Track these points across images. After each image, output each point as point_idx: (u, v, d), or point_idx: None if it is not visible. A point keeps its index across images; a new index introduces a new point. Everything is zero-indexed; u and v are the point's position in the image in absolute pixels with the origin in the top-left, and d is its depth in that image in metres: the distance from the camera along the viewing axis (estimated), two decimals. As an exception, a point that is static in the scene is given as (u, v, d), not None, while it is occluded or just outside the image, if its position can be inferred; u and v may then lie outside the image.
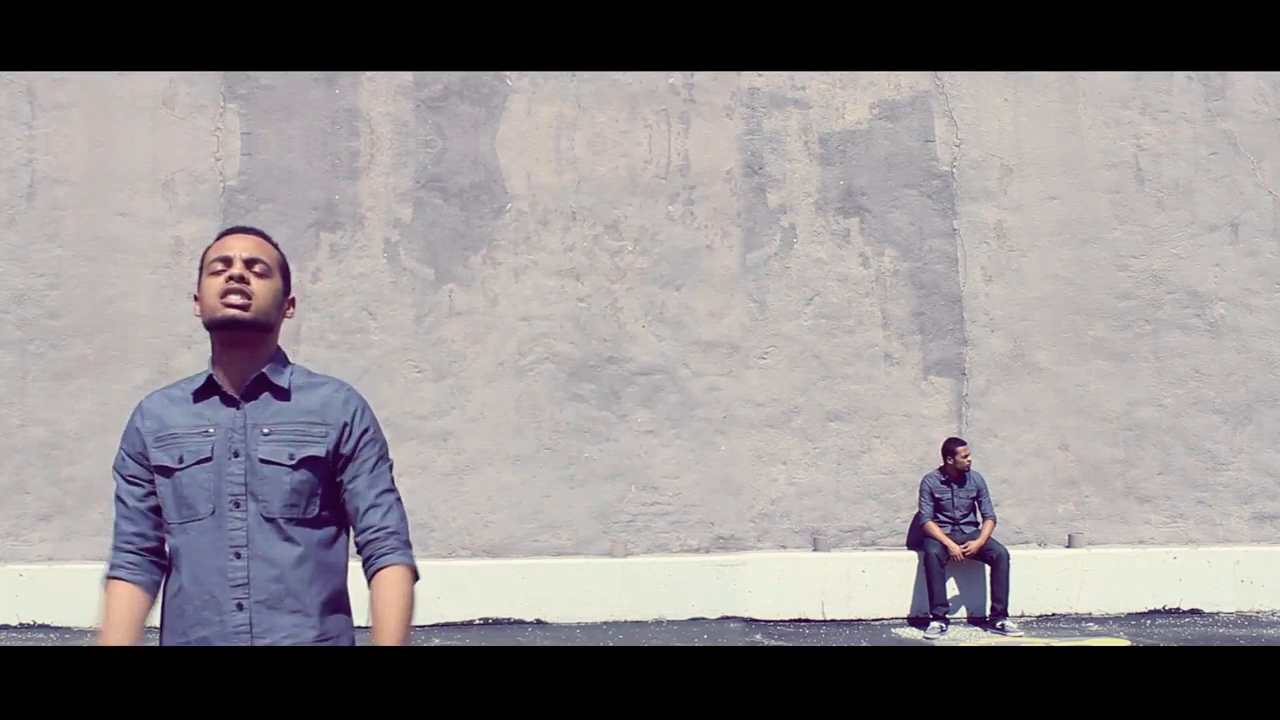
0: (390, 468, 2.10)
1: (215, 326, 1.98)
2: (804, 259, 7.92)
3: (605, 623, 7.32)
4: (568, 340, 7.76)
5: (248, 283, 1.98)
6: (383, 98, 7.78)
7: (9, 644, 6.71)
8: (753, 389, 7.84)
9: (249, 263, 2.01)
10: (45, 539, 7.45)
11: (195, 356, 7.53)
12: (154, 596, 2.02)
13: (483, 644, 6.65)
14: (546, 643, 6.74)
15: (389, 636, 1.93)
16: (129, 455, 2.04)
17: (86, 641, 6.77)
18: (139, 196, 7.63)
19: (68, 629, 7.08)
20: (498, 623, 7.25)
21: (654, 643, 6.74)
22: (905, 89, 8.04)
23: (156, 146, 7.66)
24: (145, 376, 7.52)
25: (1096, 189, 8.10)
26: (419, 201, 7.76)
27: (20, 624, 7.11)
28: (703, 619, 7.38)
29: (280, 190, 7.69)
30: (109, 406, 7.50)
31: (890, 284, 7.95)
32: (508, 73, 7.80)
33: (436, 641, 6.84)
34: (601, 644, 6.71)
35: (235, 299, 1.96)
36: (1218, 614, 7.57)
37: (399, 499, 2.08)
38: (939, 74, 8.03)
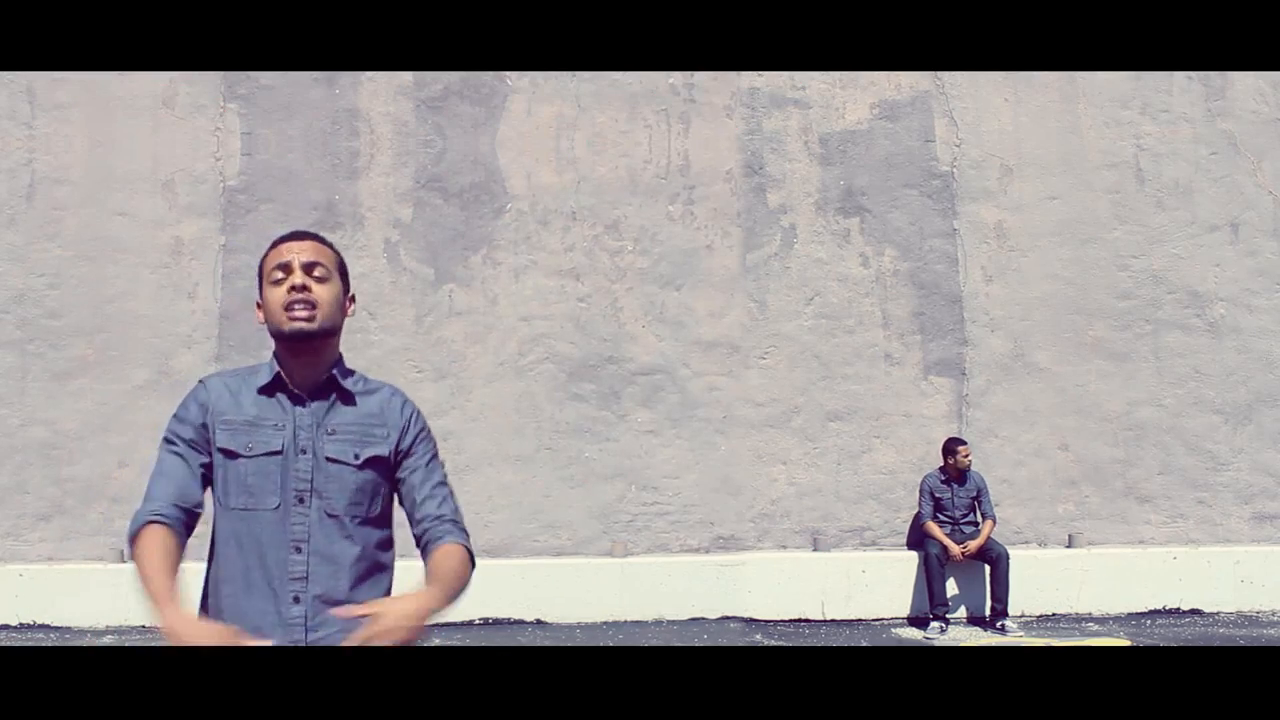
0: (442, 465, 2.16)
1: (283, 338, 2.02)
2: (804, 259, 7.92)
3: (605, 623, 7.32)
4: (568, 340, 7.76)
5: (310, 291, 2.01)
6: (383, 98, 7.78)
7: (9, 644, 6.71)
8: (753, 389, 7.84)
9: (308, 268, 2.03)
10: (45, 539, 7.45)
11: (195, 356, 7.53)
12: (183, 551, 1.98)
13: (483, 644, 6.65)
14: (546, 643, 6.74)
15: (438, 584, 1.94)
16: (189, 423, 2.03)
17: (87, 641, 6.77)
18: (139, 196, 7.63)
19: (68, 629, 7.08)
20: (498, 623, 7.25)
21: (654, 643, 6.74)
22: (905, 89, 8.04)
23: (156, 146, 7.66)
24: (145, 376, 7.52)
25: (1096, 189, 8.10)
26: (419, 201, 7.76)
27: (20, 624, 7.11)
28: (703, 619, 7.38)
29: (280, 190, 7.69)
30: (109, 406, 7.50)
31: (890, 284, 7.95)
32: (508, 73, 7.80)
33: (436, 641, 6.84)
34: (601, 644, 6.71)
35: (300, 310, 2.00)
36: (1218, 614, 7.57)
37: (452, 492, 2.15)
38: (939, 74, 8.03)
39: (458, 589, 1.99)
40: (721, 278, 7.88)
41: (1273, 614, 7.57)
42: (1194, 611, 7.58)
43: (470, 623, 7.24)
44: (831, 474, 7.84)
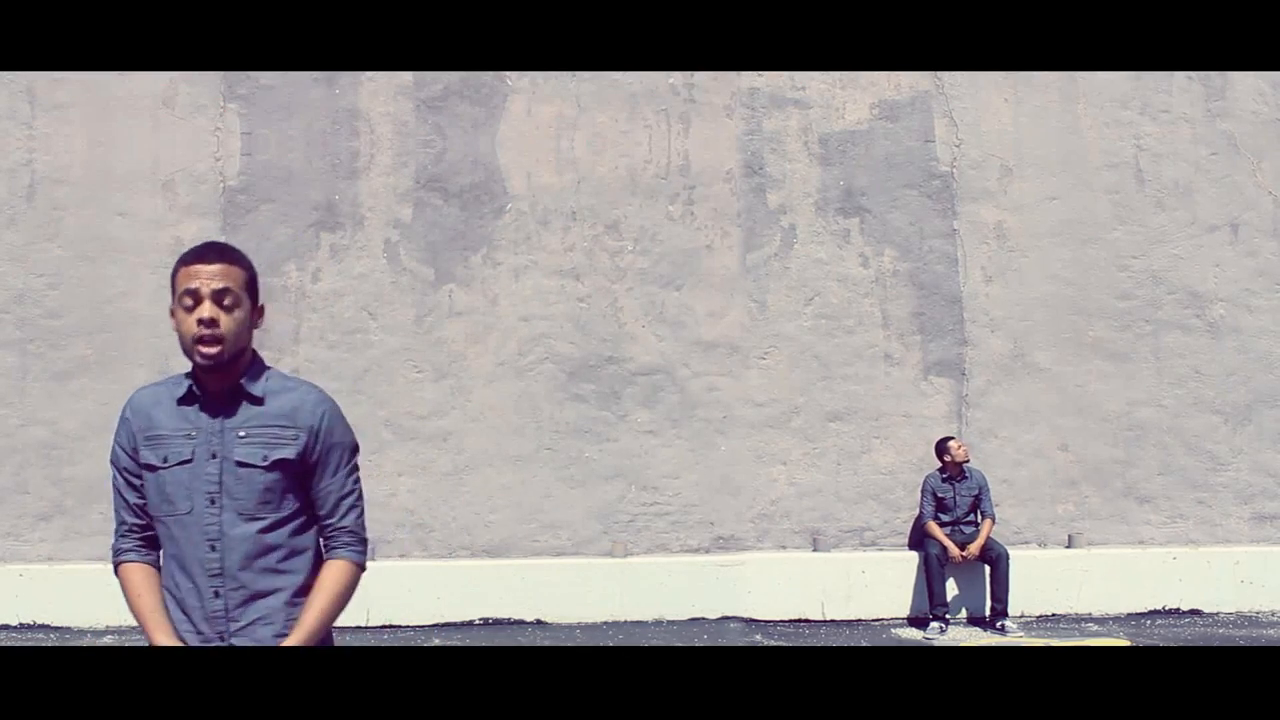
0: (355, 469, 2.30)
1: (194, 363, 2.18)
2: (804, 259, 7.92)
3: (605, 623, 7.32)
4: (568, 340, 7.76)
5: (218, 324, 2.13)
6: (383, 98, 7.78)
7: (9, 644, 6.71)
8: (753, 389, 7.84)
9: (218, 296, 2.13)
10: (45, 539, 7.45)
11: (195, 356, 7.52)
12: (158, 572, 2.24)
13: (483, 644, 6.65)
14: (546, 643, 6.74)
15: (304, 620, 2.16)
16: (123, 449, 2.24)
17: (87, 641, 6.77)
18: (139, 196, 7.63)
19: (68, 629, 7.07)
20: (498, 623, 7.25)
21: (654, 643, 6.74)
22: (905, 89, 8.04)
23: (156, 146, 7.66)
24: (145, 376, 7.51)
25: (1096, 189, 8.10)
26: (419, 201, 7.76)
27: (20, 624, 7.11)
28: (703, 619, 7.38)
29: (280, 190, 7.69)
30: (109, 406, 7.50)
31: (890, 284, 7.95)
32: (508, 73, 7.80)
33: (436, 641, 6.84)
34: (601, 644, 6.71)
35: (208, 348, 2.12)
36: (1218, 614, 7.57)
37: (359, 499, 2.30)
38: (939, 74, 8.03)
39: (339, 605, 2.21)
40: (721, 278, 7.88)
41: (1273, 614, 7.57)
42: (1194, 612, 7.57)
43: (470, 623, 7.24)
44: (831, 474, 7.84)
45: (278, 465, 2.17)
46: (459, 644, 6.71)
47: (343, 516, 2.25)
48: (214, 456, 2.15)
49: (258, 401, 2.19)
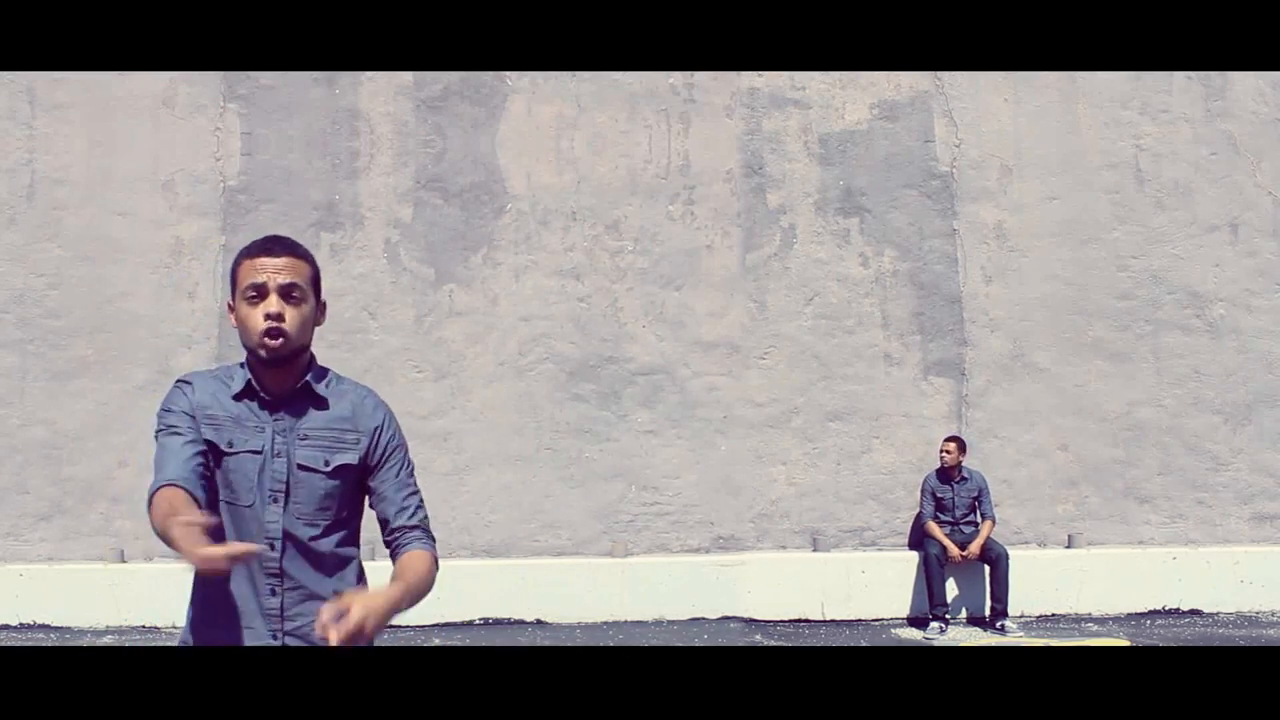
0: (412, 469, 2.26)
1: (255, 358, 2.10)
2: (804, 259, 7.92)
3: (605, 623, 7.32)
4: (568, 340, 7.76)
5: (284, 319, 2.07)
6: (383, 98, 7.78)
7: (9, 644, 6.71)
8: (753, 389, 7.84)
9: (284, 291, 2.08)
10: (45, 539, 7.44)
11: (195, 356, 7.53)
12: (199, 504, 1.99)
13: (483, 644, 6.65)
14: (546, 643, 6.75)
15: (402, 583, 2.02)
16: (181, 410, 2.09)
17: (87, 641, 6.77)
18: (139, 196, 7.63)
19: (68, 629, 7.07)
20: (498, 623, 7.25)
21: (654, 643, 6.74)
22: (905, 89, 8.04)
23: (156, 146, 7.66)
24: (145, 376, 7.52)
25: (1096, 189, 8.10)
26: (419, 201, 7.76)
27: (20, 624, 7.11)
28: (703, 619, 7.38)
29: (280, 190, 7.69)
30: (109, 406, 7.50)
31: (890, 284, 7.95)
32: (508, 73, 7.80)
33: (436, 641, 6.84)
34: (601, 644, 6.71)
35: (273, 341, 2.06)
36: (1217, 614, 7.57)
37: (421, 500, 2.24)
38: (939, 74, 8.03)
39: (421, 590, 2.10)
40: (721, 278, 7.88)
41: (1272, 614, 7.57)
42: (1194, 612, 7.57)
43: (470, 623, 7.24)
44: (831, 474, 7.84)
45: (339, 471, 2.13)
46: (459, 644, 6.71)
47: (412, 514, 2.19)
48: (279, 455, 2.10)
49: (321, 403, 2.15)
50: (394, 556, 2.17)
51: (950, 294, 7.96)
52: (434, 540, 2.21)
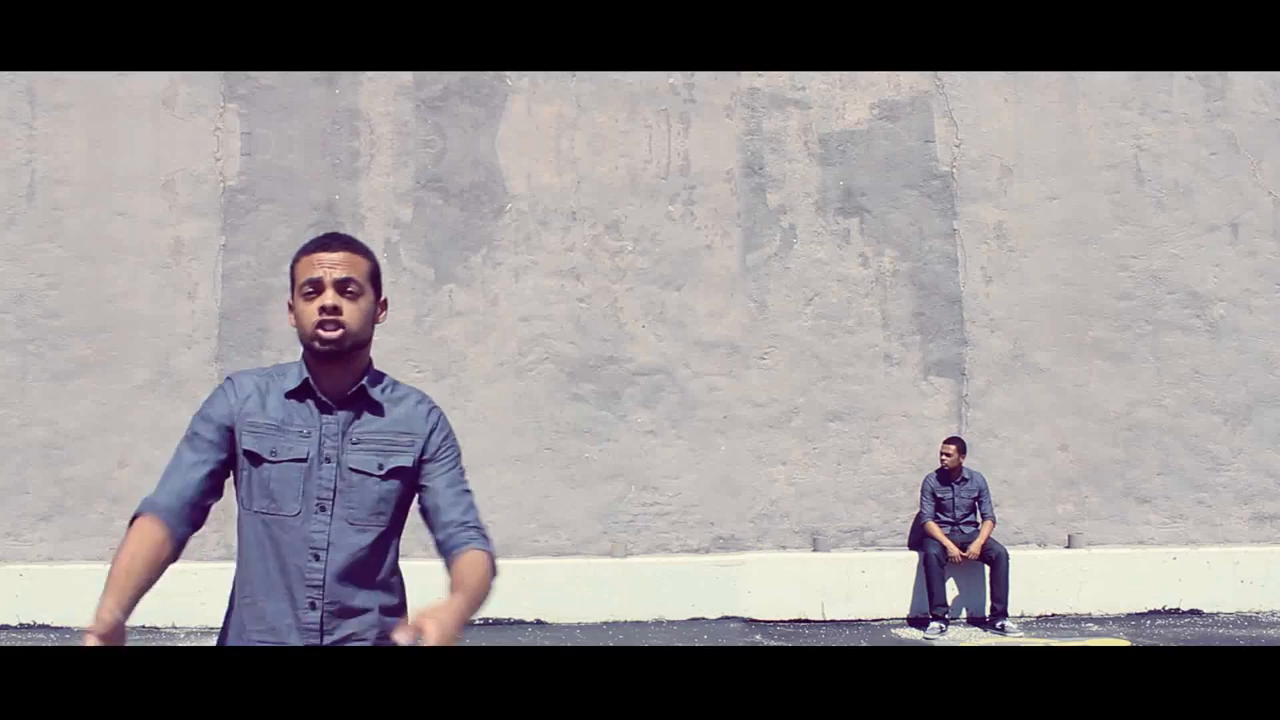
0: (464, 472, 2.20)
1: (312, 352, 2.05)
2: (804, 259, 7.92)
3: (605, 623, 7.32)
4: (568, 340, 7.76)
5: (340, 312, 2.02)
6: (383, 98, 7.78)
7: (9, 644, 6.71)
8: (753, 389, 7.84)
9: (340, 285, 2.04)
10: (45, 539, 7.45)
11: (195, 356, 7.53)
12: (179, 549, 1.99)
13: (483, 644, 6.65)
14: (546, 643, 6.75)
15: (465, 593, 1.96)
16: (212, 419, 2.05)
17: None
18: (139, 196, 7.63)
19: (68, 629, 7.07)
20: (498, 623, 7.25)
21: (654, 643, 6.74)
22: (905, 89, 8.04)
23: (156, 146, 7.66)
24: (145, 376, 7.52)
25: (1096, 189, 8.10)
26: (419, 201, 7.76)
27: (20, 624, 7.11)
28: (703, 619, 7.38)
29: (280, 190, 7.69)
30: (109, 406, 7.50)
31: (890, 284, 7.95)
32: (508, 73, 7.80)
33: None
34: (601, 644, 6.71)
35: (329, 331, 2.01)
36: (1217, 614, 7.57)
37: (474, 501, 2.18)
38: (939, 74, 8.03)
39: (483, 596, 2.02)
40: (721, 278, 7.88)
41: (1272, 614, 7.57)
42: (1194, 612, 7.57)
43: (470, 623, 7.23)
44: (831, 474, 7.84)
45: (394, 474, 2.07)
46: (459, 644, 6.71)
47: (466, 512, 2.12)
48: (328, 460, 2.03)
49: (377, 407, 2.09)
50: (448, 556, 2.08)
51: (950, 294, 7.96)
52: (490, 540, 2.14)
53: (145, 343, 7.55)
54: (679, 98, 7.94)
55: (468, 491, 2.16)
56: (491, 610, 7.26)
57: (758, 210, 7.92)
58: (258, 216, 7.64)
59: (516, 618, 7.29)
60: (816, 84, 8.00)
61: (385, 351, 7.63)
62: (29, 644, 6.68)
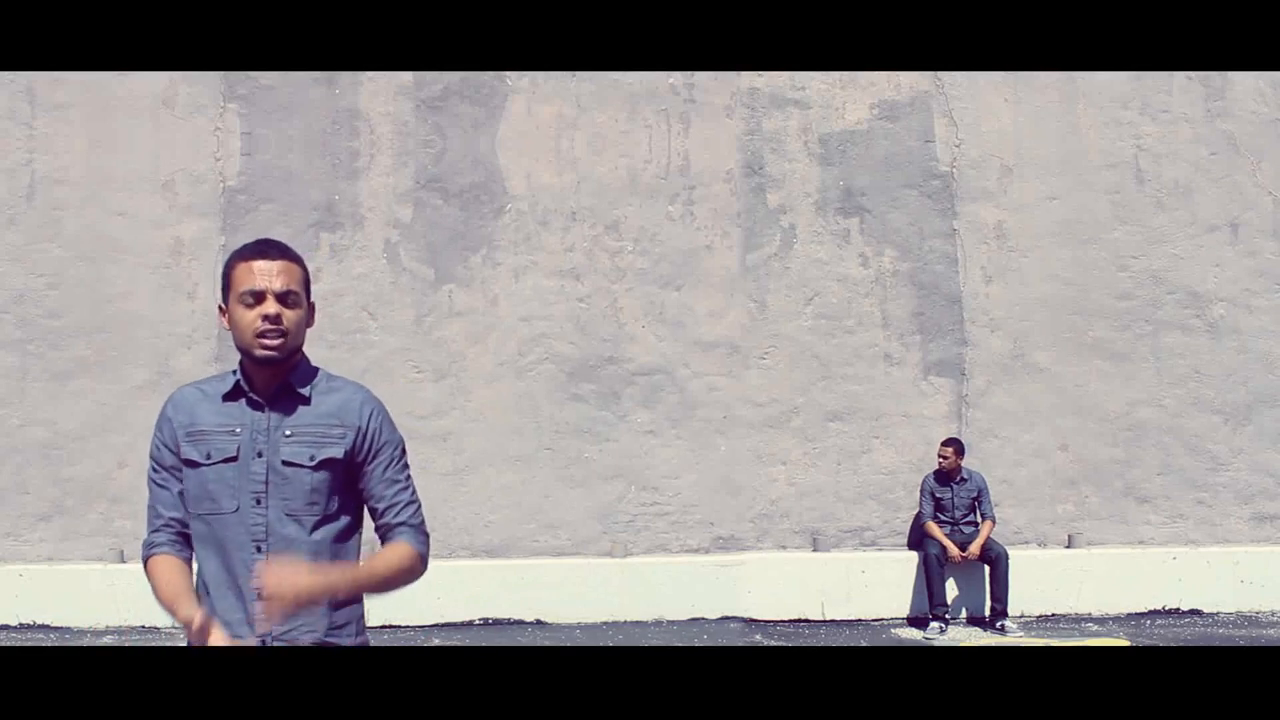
0: (406, 466, 2.25)
1: (250, 359, 2.13)
2: (804, 259, 7.92)
3: (605, 623, 7.32)
4: (568, 340, 7.76)
5: (282, 320, 2.10)
6: (383, 98, 7.78)
7: (9, 644, 6.71)
8: (753, 389, 7.84)
9: (282, 296, 2.11)
10: (45, 539, 7.44)
11: (195, 356, 7.53)
12: (189, 562, 2.17)
13: (483, 644, 6.65)
14: (546, 643, 6.74)
15: (362, 569, 2.11)
16: (164, 445, 2.18)
17: (87, 641, 6.77)
18: (139, 196, 7.62)
19: (68, 629, 7.07)
20: (498, 623, 7.25)
21: (654, 643, 6.74)
22: (905, 89, 8.04)
23: (156, 146, 7.66)
24: (145, 376, 7.52)
25: (1096, 189, 8.10)
26: (419, 201, 7.76)
27: (20, 624, 7.11)
28: (703, 619, 7.38)
29: (280, 190, 7.69)
30: (109, 406, 7.50)
31: (890, 284, 7.95)
32: (508, 73, 7.80)
33: (436, 641, 6.84)
34: (601, 644, 6.71)
35: (271, 340, 2.09)
36: (1217, 614, 7.57)
37: (414, 496, 2.23)
38: (939, 74, 8.03)
39: (381, 581, 2.12)
40: (721, 278, 7.87)
41: (1272, 614, 7.57)
42: (1194, 612, 7.57)
43: (470, 623, 7.24)
44: (831, 474, 7.84)
45: (325, 465, 2.13)
46: (459, 644, 6.71)
47: (399, 511, 2.19)
48: (259, 455, 2.12)
49: (305, 401, 2.16)
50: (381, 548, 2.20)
51: (950, 294, 7.96)
52: (425, 536, 2.21)
53: (145, 343, 7.55)
54: (679, 98, 7.94)
55: (405, 488, 2.22)
56: (491, 610, 7.26)
57: (758, 210, 7.92)
58: (258, 217, 7.64)
59: (516, 618, 7.29)
60: (816, 84, 8.00)
61: (385, 351, 7.63)
62: (29, 644, 6.68)
